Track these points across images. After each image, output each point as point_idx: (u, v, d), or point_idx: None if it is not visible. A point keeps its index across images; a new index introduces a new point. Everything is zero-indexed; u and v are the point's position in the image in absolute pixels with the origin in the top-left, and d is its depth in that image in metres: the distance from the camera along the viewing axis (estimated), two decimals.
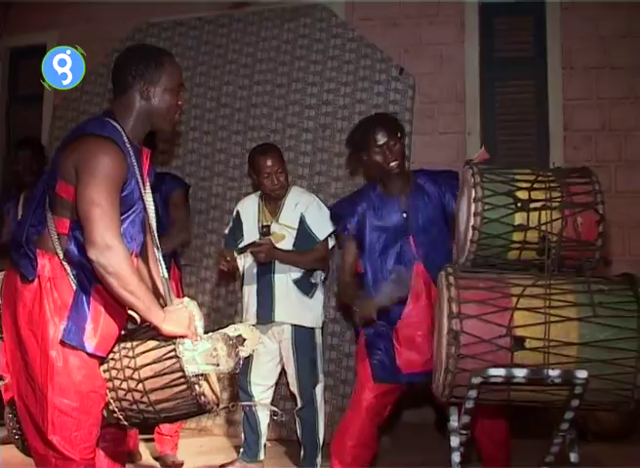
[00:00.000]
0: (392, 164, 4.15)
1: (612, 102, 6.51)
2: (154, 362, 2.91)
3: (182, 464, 5.16)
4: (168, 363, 2.89)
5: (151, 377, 2.90)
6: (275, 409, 4.86)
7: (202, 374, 2.91)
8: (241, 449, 5.15)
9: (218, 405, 3.04)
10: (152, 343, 2.95)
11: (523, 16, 6.89)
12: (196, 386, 2.88)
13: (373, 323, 4.02)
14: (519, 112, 6.87)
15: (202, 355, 2.89)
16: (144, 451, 5.30)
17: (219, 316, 6.10)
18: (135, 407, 2.96)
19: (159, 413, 2.97)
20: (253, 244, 4.85)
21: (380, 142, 4.14)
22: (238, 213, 5.22)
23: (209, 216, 6.52)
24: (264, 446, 5.14)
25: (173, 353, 2.89)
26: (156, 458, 5.22)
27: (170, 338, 2.92)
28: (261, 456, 5.09)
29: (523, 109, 6.87)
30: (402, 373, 4.08)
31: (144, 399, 2.92)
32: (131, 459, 4.94)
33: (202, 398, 2.90)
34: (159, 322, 2.89)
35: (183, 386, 2.88)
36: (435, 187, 4.22)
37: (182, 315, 2.96)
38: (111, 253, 2.79)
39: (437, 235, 4.17)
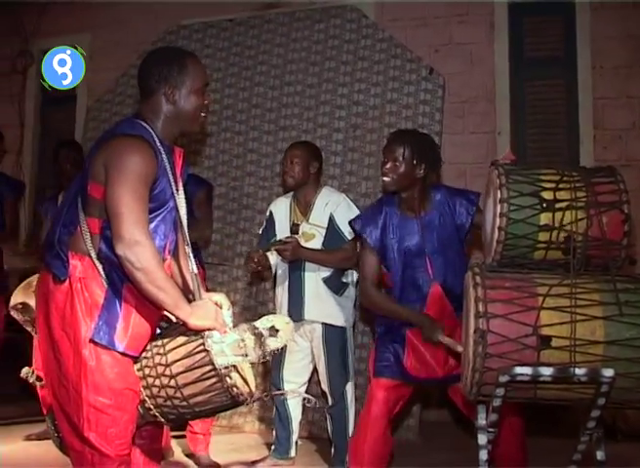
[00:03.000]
0: (383, 178, 4.26)
1: None
2: (185, 357, 2.96)
3: (219, 466, 5.19)
4: (198, 357, 2.94)
5: (183, 372, 2.95)
6: (308, 396, 4.93)
7: (232, 366, 2.95)
8: (272, 446, 5.22)
9: (251, 396, 3.07)
10: (182, 339, 3.00)
11: (552, 15, 6.92)
12: (227, 378, 2.91)
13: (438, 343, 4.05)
14: (549, 112, 6.89)
15: (230, 347, 2.93)
16: (176, 448, 5.37)
17: (250, 314, 6.15)
18: (169, 402, 3.00)
19: (193, 407, 3.02)
20: (279, 242, 4.93)
21: (384, 158, 4.29)
22: (271, 212, 5.30)
23: (240, 216, 6.58)
24: (296, 443, 5.20)
25: (202, 347, 2.93)
26: (188, 455, 5.28)
27: (199, 332, 2.97)
28: (292, 453, 5.15)
29: (553, 109, 6.90)
30: (408, 373, 4.17)
31: (178, 394, 2.97)
32: (163, 456, 5.00)
33: (234, 389, 2.93)
34: (186, 316, 2.93)
35: (215, 379, 2.92)
36: (450, 208, 4.27)
37: (209, 308, 3.00)
38: (139, 249, 2.82)
39: (453, 256, 4.25)
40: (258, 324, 3.09)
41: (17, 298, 5.08)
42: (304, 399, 5.03)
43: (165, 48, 3.54)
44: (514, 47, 6.90)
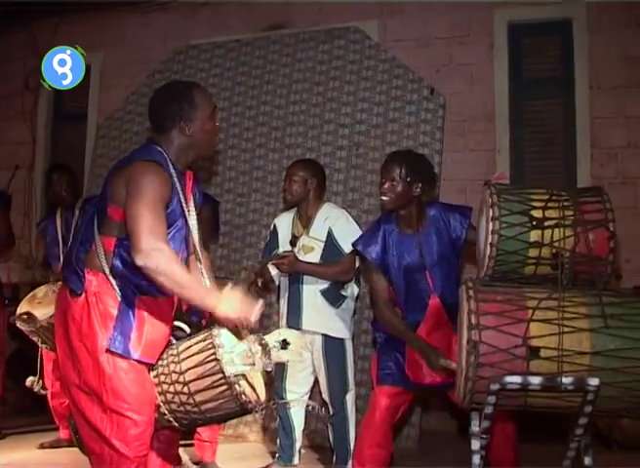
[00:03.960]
0: (382, 197, 4.42)
1: (638, 120, 6.66)
2: (197, 365, 3.13)
3: None
4: (209, 365, 3.11)
5: (195, 380, 3.13)
6: (312, 403, 5.08)
7: (241, 375, 3.11)
8: (276, 455, 5.35)
9: (259, 403, 3.23)
10: (195, 348, 3.18)
11: (551, 36, 7.07)
12: (236, 386, 3.08)
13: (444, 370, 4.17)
14: (547, 130, 7.03)
15: (239, 356, 3.10)
16: (183, 456, 5.47)
17: (255, 327, 6.27)
18: (182, 408, 3.18)
19: (205, 413, 3.19)
20: (276, 256, 5.12)
21: (381, 178, 4.44)
22: (275, 226, 5.49)
23: (247, 231, 6.75)
24: (299, 451, 5.33)
25: (213, 356, 3.10)
26: (196, 463, 5.38)
27: (211, 342, 3.13)
28: (296, 461, 5.28)
29: (551, 127, 7.04)
30: (409, 380, 4.31)
31: (190, 400, 3.14)
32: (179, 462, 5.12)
33: (242, 397, 3.11)
34: (214, 307, 3.08)
35: (225, 386, 3.10)
36: (445, 223, 4.42)
37: (234, 300, 3.13)
38: (157, 255, 2.98)
39: (449, 269, 4.42)
40: (268, 337, 3.27)
41: (21, 309, 5.25)
42: (308, 406, 5.20)
43: (170, 84, 3.63)
44: (513, 67, 7.04)
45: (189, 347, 3.22)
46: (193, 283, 3.13)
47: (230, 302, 3.12)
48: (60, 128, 8.90)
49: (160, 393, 3.20)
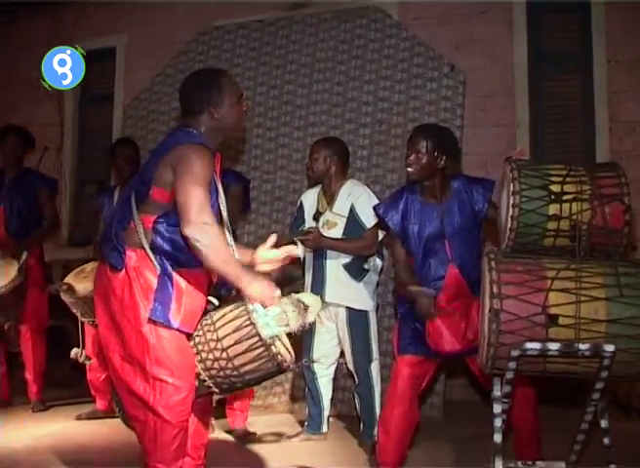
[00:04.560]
0: (407, 169, 4.53)
1: None
2: (234, 331, 3.31)
3: (255, 434, 5.53)
4: (245, 330, 3.29)
5: (233, 345, 3.31)
6: (342, 361, 5.30)
7: (276, 336, 3.31)
8: (305, 423, 5.55)
9: (293, 362, 3.43)
10: (230, 316, 3.36)
11: (569, 12, 7.14)
12: (272, 347, 3.28)
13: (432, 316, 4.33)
14: (566, 105, 7.12)
15: (274, 319, 3.29)
16: (216, 427, 5.67)
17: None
18: (222, 373, 3.36)
19: (244, 376, 3.37)
20: (301, 232, 5.29)
21: (407, 150, 4.55)
22: (301, 202, 5.68)
23: (273, 208, 6.93)
24: (328, 419, 5.52)
25: (248, 321, 3.29)
26: (228, 432, 5.58)
27: (245, 309, 3.31)
28: (325, 429, 5.48)
29: (570, 102, 7.12)
30: (430, 348, 4.39)
31: (229, 365, 3.32)
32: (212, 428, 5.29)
33: (279, 357, 3.30)
34: (245, 286, 3.26)
35: (262, 348, 3.28)
36: (468, 195, 4.52)
37: (264, 285, 3.30)
38: (207, 228, 3.17)
39: (470, 240, 4.51)
40: (288, 301, 3.44)
41: (66, 280, 5.47)
42: (339, 362, 5.41)
43: (199, 72, 3.81)
44: (532, 43, 7.11)
45: (224, 315, 3.39)
46: (233, 261, 3.30)
47: (257, 289, 3.28)
48: (87, 109, 9.09)
49: (199, 361, 3.37)
